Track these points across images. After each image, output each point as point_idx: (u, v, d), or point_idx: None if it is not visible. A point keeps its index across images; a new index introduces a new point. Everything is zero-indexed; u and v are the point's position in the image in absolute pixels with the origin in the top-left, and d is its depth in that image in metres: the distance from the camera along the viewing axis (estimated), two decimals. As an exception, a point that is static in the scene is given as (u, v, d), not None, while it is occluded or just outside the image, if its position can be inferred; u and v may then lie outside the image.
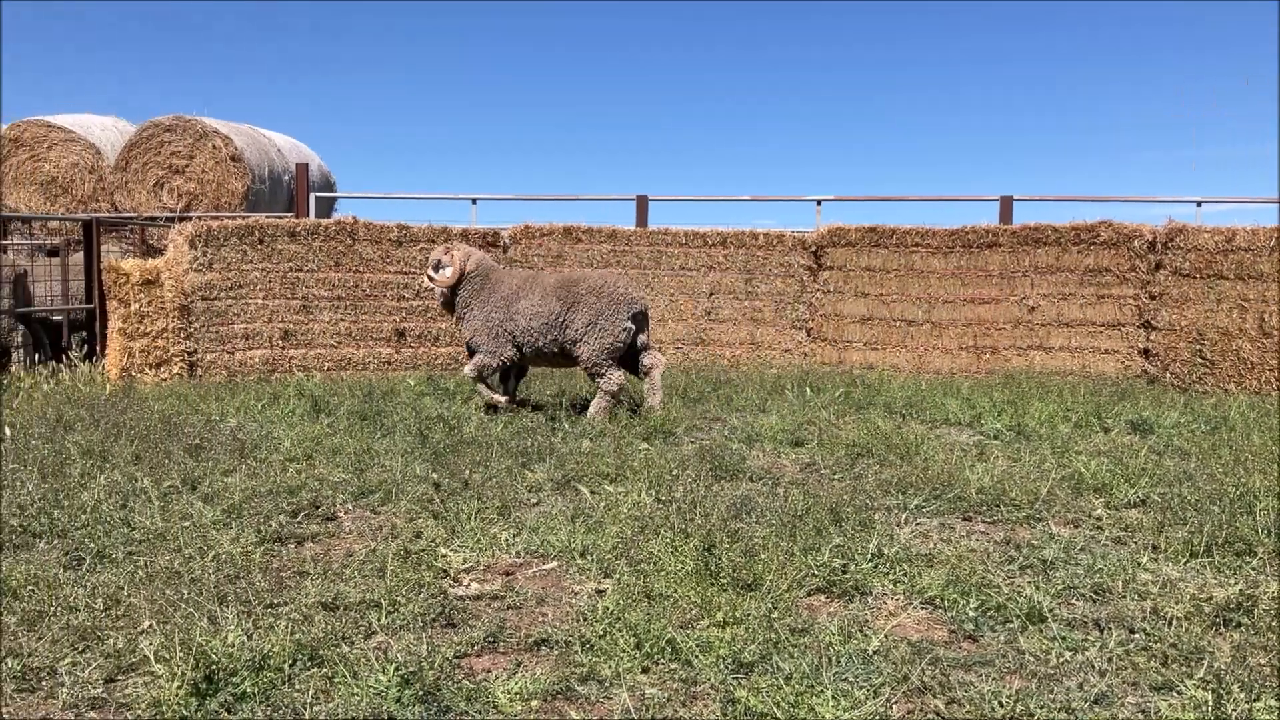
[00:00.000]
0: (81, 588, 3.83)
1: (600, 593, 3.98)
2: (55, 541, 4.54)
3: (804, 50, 45.42)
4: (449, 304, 8.71)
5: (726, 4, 44.12)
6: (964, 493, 5.54)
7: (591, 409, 8.14)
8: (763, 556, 4.17)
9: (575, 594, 4.01)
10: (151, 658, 3.12)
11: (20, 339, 11.79)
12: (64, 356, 11.51)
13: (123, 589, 3.81)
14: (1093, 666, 3.26)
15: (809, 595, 3.99)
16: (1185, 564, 4.39)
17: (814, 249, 12.63)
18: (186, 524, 4.72)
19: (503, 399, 8.50)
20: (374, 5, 46.34)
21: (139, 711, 2.87)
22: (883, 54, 44.39)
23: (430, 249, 12.41)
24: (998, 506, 5.36)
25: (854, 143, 44.57)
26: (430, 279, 8.64)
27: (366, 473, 5.94)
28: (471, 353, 8.59)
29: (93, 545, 4.40)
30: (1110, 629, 3.58)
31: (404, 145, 46.81)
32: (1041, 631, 3.58)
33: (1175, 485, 5.65)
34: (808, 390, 9.73)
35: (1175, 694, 3.04)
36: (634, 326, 8.27)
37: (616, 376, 8.17)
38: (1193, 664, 3.24)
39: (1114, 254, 11.58)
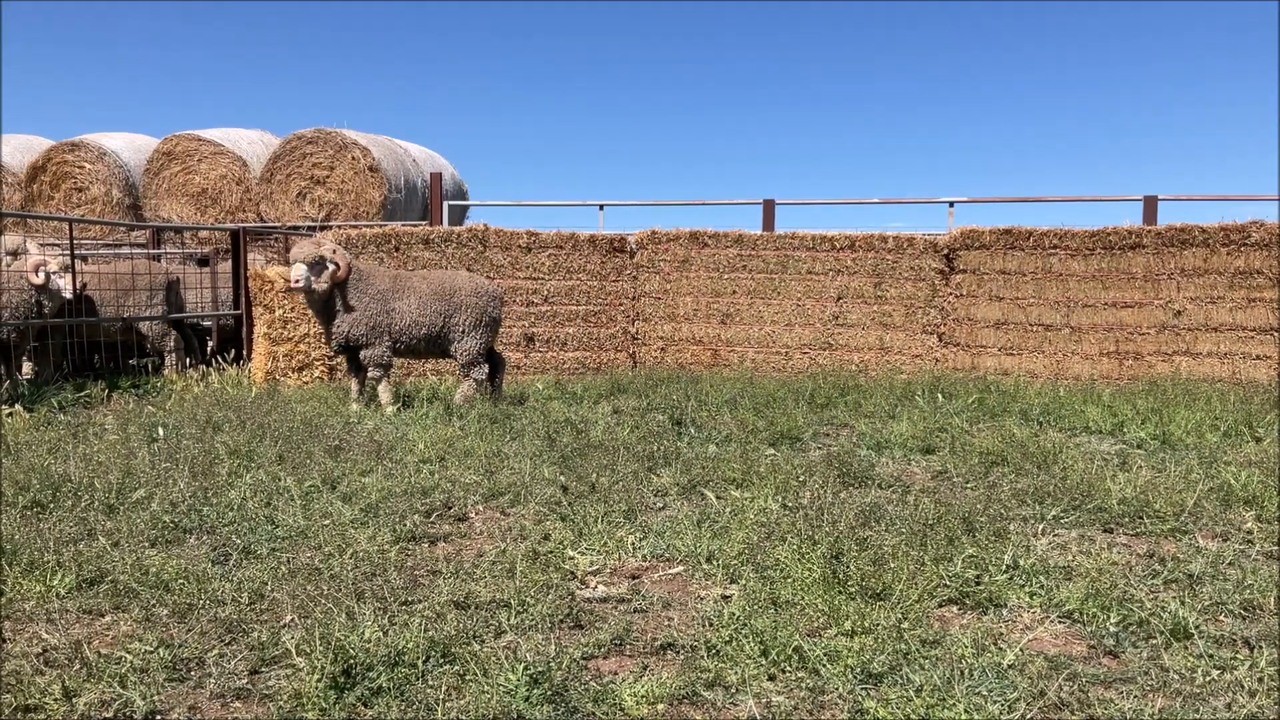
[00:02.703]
0: (228, 582, 3.98)
1: (726, 598, 3.96)
2: (204, 537, 4.74)
3: (937, 50, 44.50)
4: (324, 303, 8.78)
5: (855, 4, 43.54)
6: (1105, 503, 5.34)
7: (463, 394, 9.16)
8: (892, 565, 4.10)
9: (701, 599, 4.01)
10: (293, 651, 3.23)
11: (173, 343, 12.38)
12: (213, 360, 12.05)
13: (266, 584, 3.95)
14: (1242, 686, 3.10)
15: (940, 606, 3.90)
16: (1347, 582, 4.14)
17: (946, 252, 12.36)
18: (326, 522, 4.87)
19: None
20: (503, 20, 47.26)
21: (281, 703, 2.98)
22: (1021, 52, 43.17)
23: (558, 254, 12.60)
24: (1141, 518, 5.15)
25: (989, 143, 43.47)
26: (306, 278, 8.53)
27: (496, 475, 6.04)
28: (346, 351, 9.00)
29: (239, 541, 4.58)
30: (1261, 647, 3.40)
31: (534, 154, 47.62)
32: (1187, 649, 3.42)
33: (1336, 499, 5.34)
34: (939, 396, 9.52)
35: (1336, 720, 2.87)
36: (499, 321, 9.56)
37: (485, 366, 9.34)
38: (1355, 688, 3.05)
39: (1266, 255, 11.02)
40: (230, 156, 16.93)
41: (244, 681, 3.17)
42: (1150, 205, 12.61)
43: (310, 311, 9.29)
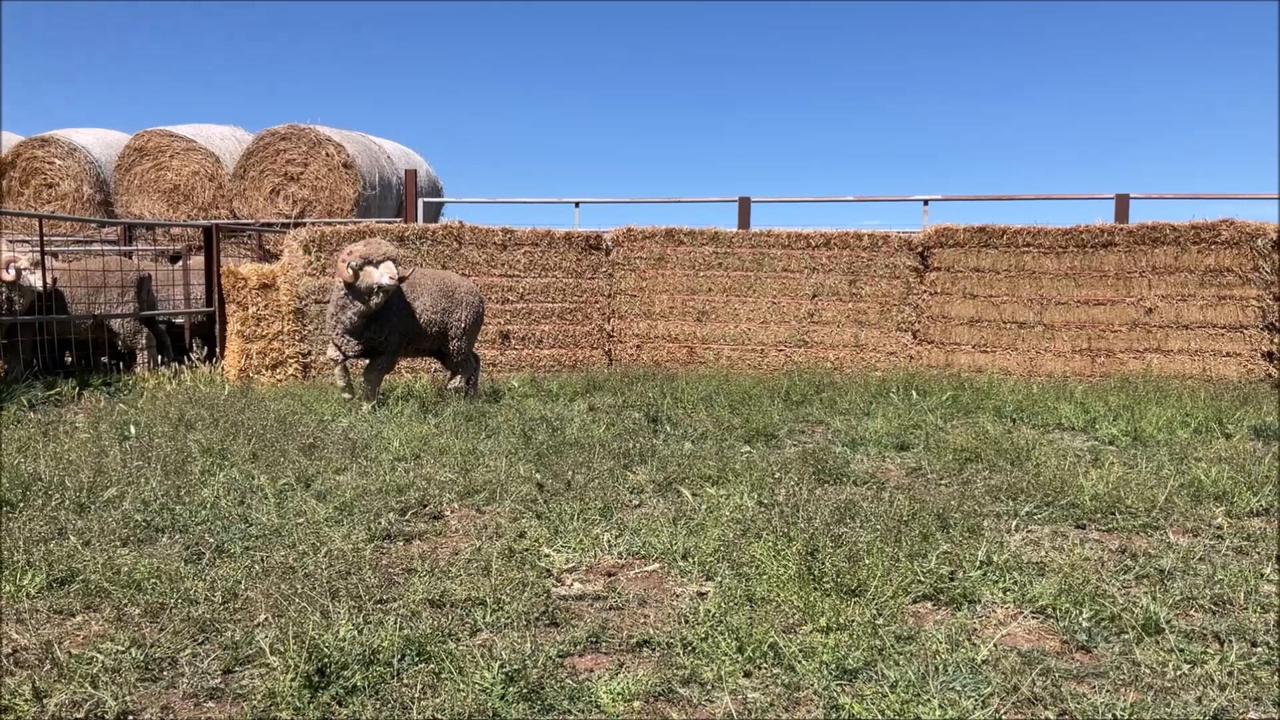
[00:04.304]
0: (201, 581, 3.96)
1: (702, 595, 3.97)
2: (177, 536, 4.70)
3: (911, 50, 44.71)
4: (380, 308, 8.44)
5: (831, 4, 43.69)
6: (1077, 500, 5.38)
7: (456, 386, 9.32)
8: (867, 562, 4.11)
9: (677, 596, 4.01)
10: (267, 650, 3.21)
11: (145, 341, 12.27)
12: (186, 358, 11.95)
13: (240, 583, 3.93)
14: (1212, 680, 3.13)
15: (915, 602, 3.92)
16: (1314, 577, 4.19)
17: (920, 250, 12.42)
18: (300, 520, 4.85)
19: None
20: (478, 16, 47.14)
21: (254, 702, 2.96)
22: (993, 52, 43.43)
23: (534, 252, 12.58)
24: (1113, 514, 5.19)
25: (962, 141, 43.72)
26: (391, 278, 8.20)
27: (472, 473, 6.03)
28: (371, 354, 8.85)
29: (212, 540, 4.55)
30: (1231, 641, 3.44)
31: (510, 150, 47.50)
32: (1158, 643, 3.46)
33: (1304, 494, 5.41)
34: (913, 394, 9.57)
35: (1303, 712, 2.91)
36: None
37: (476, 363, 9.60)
38: (1322, 681, 3.09)
39: (1236, 254, 11.13)
40: (203, 153, 16.79)
41: (217, 681, 3.15)
42: (1122, 204, 12.72)
43: (344, 313, 8.52)
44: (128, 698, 2.99)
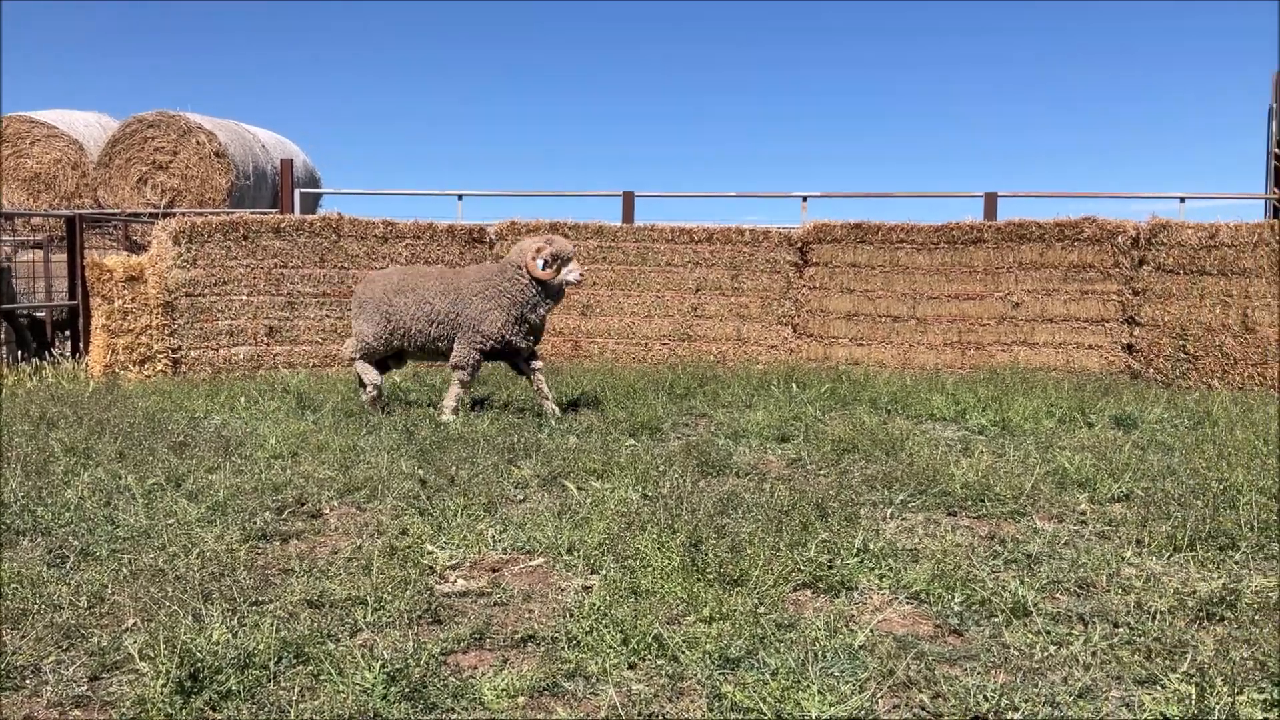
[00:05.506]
0: (66, 586, 3.81)
1: (587, 589, 3.98)
2: (39, 539, 4.52)
3: (789, 48, 45.46)
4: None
5: (713, 2, 44.13)
6: (949, 488, 5.55)
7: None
8: (749, 552, 4.18)
9: (562, 590, 4.01)
10: (136, 656, 3.11)
11: (4, 336, 11.72)
12: (48, 353, 11.45)
13: (107, 587, 3.79)
14: (1077, 660, 3.27)
15: (795, 590, 4.00)
16: (1169, 558, 4.41)
17: (800, 245, 12.64)
18: (171, 521, 4.70)
19: None
20: (354, 4, 46.20)
21: (124, 709, 2.86)
22: (867, 52, 44.47)
23: (415, 245, 12.40)
24: (982, 501, 5.37)
25: (840, 139, 44.66)
26: (579, 275, 8.23)
27: (352, 470, 5.92)
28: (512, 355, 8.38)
29: (77, 543, 4.38)
30: (1094, 623, 3.60)
31: (390, 141, 46.71)
32: (1026, 626, 3.59)
33: (1159, 480, 5.68)
34: (794, 386, 9.75)
35: (1159, 687, 3.05)
36: None
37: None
38: (1176, 658, 3.25)
39: (1098, 250, 11.62)
40: (65, 140, 16.12)
41: (84, 689, 3.04)
42: (990, 201, 13.18)
43: (533, 309, 8.15)
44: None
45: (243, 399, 8.73)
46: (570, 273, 8.09)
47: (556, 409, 8.20)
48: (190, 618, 3.42)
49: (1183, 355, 10.79)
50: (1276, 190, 15.66)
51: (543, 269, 7.98)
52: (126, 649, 3.20)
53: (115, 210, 15.45)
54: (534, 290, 8.05)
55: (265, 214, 12.98)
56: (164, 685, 2.90)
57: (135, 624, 3.44)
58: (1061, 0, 40.89)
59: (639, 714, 2.90)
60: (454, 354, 8.15)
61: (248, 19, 45.56)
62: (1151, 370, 11.09)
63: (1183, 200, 13.38)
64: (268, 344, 11.47)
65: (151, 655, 3.06)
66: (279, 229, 11.71)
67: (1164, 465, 6.13)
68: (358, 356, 8.38)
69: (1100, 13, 41.07)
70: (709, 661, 3.20)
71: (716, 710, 2.91)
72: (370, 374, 8.32)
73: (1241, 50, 39.73)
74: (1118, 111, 41.77)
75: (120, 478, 5.48)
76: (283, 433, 6.90)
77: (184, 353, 10.93)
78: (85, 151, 16.12)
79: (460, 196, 14.37)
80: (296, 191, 15.07)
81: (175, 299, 10.88)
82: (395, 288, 8.24)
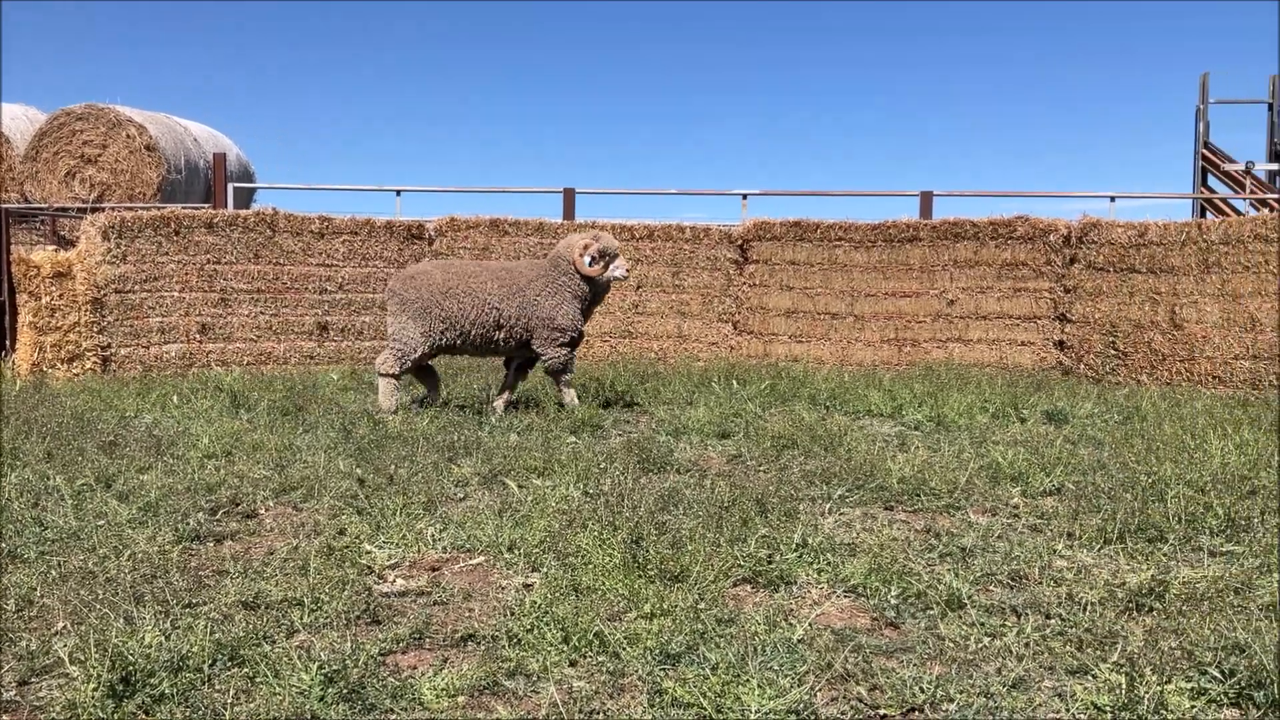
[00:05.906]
0: (-10, 590, 3.72)
1: (528, 587, 3.96)
2: (-38, 543, 4.39)
3: (729, 47, 45.67)
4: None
5: (654, 2, 44.18)
6: (886, 483, 5.62)
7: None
8: (690, 548, 4.19)
9: (502, 589, 3.99)
10: (66, 659, 3.04)
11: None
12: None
13: (35, 590, 3.70)
14: (1010, 651, 3.33)
15: (735, 586, 4.02)
16: (1099, 550, 4.50)
17: (740, 243, 12.72)
18: (101, 523, 4.60)
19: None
20: (294, -7, 45.52)
21: (54, 714, 2.80)
22: (805, 52, 44.84)
23: (353, 241, 12.26)
24: (918, 496, 5.45)
25: (779, 138, 44.98)
26: (625, 270, 8.44)
27: (288, 469, 5.84)
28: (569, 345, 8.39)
29: (4, 546, 4.27)
30: (1027, 615, 3.66)
31: (326, 136, 46.11)
32: (961, 618, 3.65)
33: (1089, 474, 5.81)
34: (734, 383, 9.80)
35: (1090, 677, 3.12)
36: None
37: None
38: (1107, 648, 3.32)
39: (1030, 248, 11.84)
40: (-11, 132, 15.67)
41: (12, 694, 2.96)
42: (926, 200, 13.37)
43: (584, 303, 8.34)
44: (-94, 718, 2.78)
45: (175, 397, 8.57)
46: (617, 269, 8.24)
47: (575, 400, 8.37)
48: (122, 620, 3.35)
49: (1113, 351, 11.04)
50: (1204, 189, 16.10)
51: (590, 265, 8.06)
52: (56, 653, 3.12)
53: (43, 205, 15.08)
54: (585, 285, 8.18)
55: (198, 209, 12.75)
56: (95, 689, 2.84)
57: (65, 627, 3.36)
58: (993, 1, 41.55)
59: (580, 711, 2.90)
60: (545, 358, 8.22)
61: (179, 12, 44.70)
62: (1082, 366, 11.33)
63: (1113, 199, 13.70)
64: (200, 341, 11.27)
65: (82, 659, 3.00)
66: (212, 224, 11.51)
67: (1094, 459, 6.26)
68: (398, 371, 8.11)
69: (1036, 13, 41.82)
70: (650, 658, 3.21)
71: (657, 706, 2.92)
72: (421, 384, 8.59)
73: (1170, 53, 40.70)
74: (1051, 113, 42.58)
75: (48, 478, 5.35)
76: (216, 432, 6.79)
77: (114, 350, 10.70)
78: (11, 145, 15.72)
79: (399, 192, 14.27)
80: (230, 186, 14.82)
81: (104, 295, 10.65)
82: (443, 289, 8.05)
